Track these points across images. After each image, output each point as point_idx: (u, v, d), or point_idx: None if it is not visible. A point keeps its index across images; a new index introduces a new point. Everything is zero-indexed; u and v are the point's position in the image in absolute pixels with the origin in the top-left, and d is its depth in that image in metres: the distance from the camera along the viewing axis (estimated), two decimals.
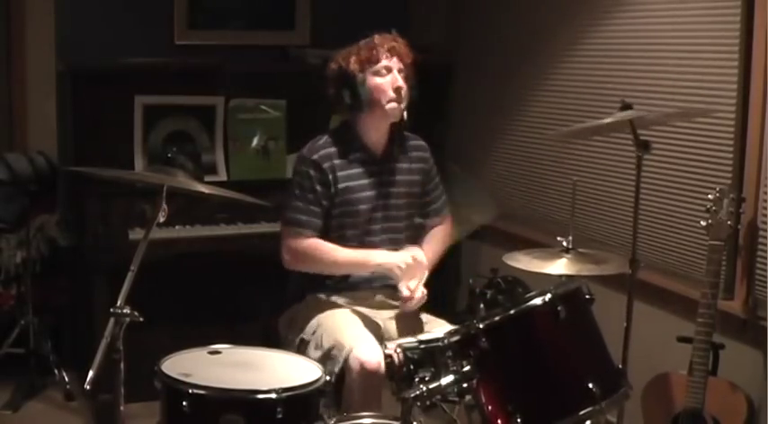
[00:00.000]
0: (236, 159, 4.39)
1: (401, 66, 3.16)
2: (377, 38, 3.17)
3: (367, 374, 2.90)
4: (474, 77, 4.66)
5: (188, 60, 4.54)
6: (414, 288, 3.12)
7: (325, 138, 3.22)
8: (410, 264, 3.11)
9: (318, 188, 3.14)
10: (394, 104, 3.14)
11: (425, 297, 3.15)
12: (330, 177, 3.15)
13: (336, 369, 2.93)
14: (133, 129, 4.23)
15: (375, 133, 3.22)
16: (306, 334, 3.15)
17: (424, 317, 3.22)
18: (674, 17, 3.39)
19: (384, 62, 3.14)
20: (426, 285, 3.16)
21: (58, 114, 4.55)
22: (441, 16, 4.93)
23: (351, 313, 3.17)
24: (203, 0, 4.70)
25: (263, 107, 4.43)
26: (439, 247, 3.36)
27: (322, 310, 3.18)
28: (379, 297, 3.28)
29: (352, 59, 3.15)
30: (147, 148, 4.25)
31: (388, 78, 3.14)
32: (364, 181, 3.20)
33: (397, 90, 3.13)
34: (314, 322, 3.15)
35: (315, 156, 3.17)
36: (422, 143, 3.35)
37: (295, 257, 3.16)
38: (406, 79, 3.16)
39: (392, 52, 3.15)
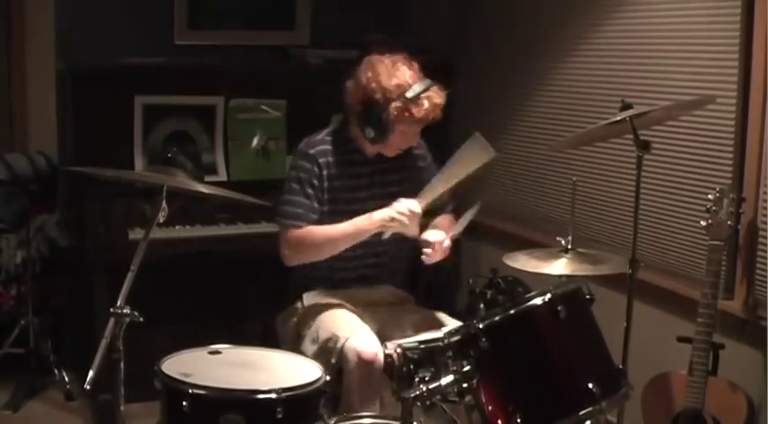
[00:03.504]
0: (236, 159, 4.39)
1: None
2: (427, 108, 3.07)
3: (364, 364, 2.90)
4: (474, 77, 4.65)
5: (188, 60, 4.54)
6: (439, 238, 3.11)
7: (323, 135, 3.23)
8: (400, 217, 3.07)
9: (315, 182, 3.14)
10: (398, 151, 3.19)
11: (449, 249, 3.13)
12: (325, 173, 3.15)
13: (333, 360, 2.93)
14: (133, 129, 4.23)
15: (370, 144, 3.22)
16: (302, 329, 3.15)
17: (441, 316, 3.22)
18: (674, 17, 3.40)
19: (424, 120, 3.11)
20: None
21: (58, 114, 4.55)
22: (441, 16, 4.93)
23: (349, 309, 3.18)
24: (203, 0, 4.70)
25: (263, 107, 4.43)
26: (447, 222, 3.32)
27: (319, 306, 3.18)
28: (379, 294, 3.28)
29: (395, 108, 3.05)
30: (147, 148, 4.25)
31: (415, 133, 3.15)
32: (357, 182, 3.21)
33: (411, 142, 3.18)
34: (311, 317, 3.16)
35: (312, 151, 3.17)
36: (420, 142, 3.35)
37: (293, 248, 3.15)
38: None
39: (436, 115, 3.11)
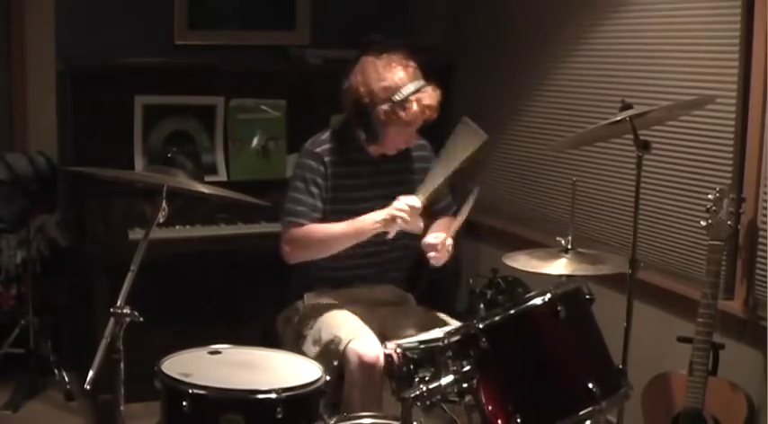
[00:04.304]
0: (236, 159, 4.39)
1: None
2: (416, 110, 3.05)
3: (365, 367, 2.90)
4: (474, 77, 4.65)
5: (188, 60, 4.54)
6: (440, 239, 3.10)
7: (327, 134, 3.23)
8: (401, 214, 3.06)
9: (320, 180, 3.15)
10: (398, 150, 3.19)
11: (451, 249, 3.13)
12: (329, 171, 3.16)
13: (335, 362, 2.93)
14: (133, 129, 4.23)
15: None
16: (304, 329, 3.15)
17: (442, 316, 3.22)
18: (674, 17, 3.39)
19: (415, 122, 3.10)
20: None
21: (58, 114, 4.55)
22: (441, 16, 4.93)
23: (350, 310, 3.18)
24: (203, 0, 4.70)
25: (263, 107, 4.43)
26: (449, 223, 3.30)
27: (321, 306, 3.18)
28: (380, 294, 3.28)
29: (383, 111, 3.05)
30: (147, 148, 4.25)
31: (409, 133, 3.15)
32: (361, 182, 3.21)
33: (408, 142, 3.17)
34: (312, 318, 3.16)
35: (318, 149, 3.18)
36: (423, 142, 3.35)
37: (293, 245, 3.15)
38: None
39: (428, 116, 3.11)
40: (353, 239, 3.12)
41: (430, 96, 3.09)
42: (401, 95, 3.05)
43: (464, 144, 3.10)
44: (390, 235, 3.12)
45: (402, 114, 3.05)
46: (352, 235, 3.12)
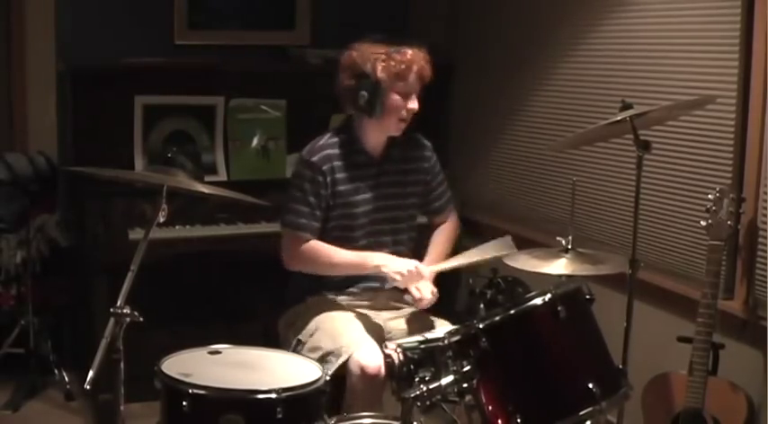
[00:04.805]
0: (236, 159, 4.39)
1: (420, 88, 3.17)
2: (411, 53, 3.14)
3: (368, 378, 2.90)
4: (474, 77, 4.65)
5: (188, 60, 4.54)
6: (423, 290, 3.13)
7: (326, 138, 3.22)
8: (409, 275, 3.11)
9: (317, 191, 3.14)
10: (402, 124, 3.19)
11: (436, 296, 3.16)
12: (329, 179, 3.15)
13: (330, 372, 2.93)
14: (133, 129, 4.23)
15: (375, 137, 3.23)
16: (303, 335, 3.15)
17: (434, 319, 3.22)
18: (675, 17, 3.39)
19: (411, 83, 3.14)
20: (433, 285, 3.17)
21: (58, 114, 4.55)
22: (441, 16, 4.92)
23: (351, 316, 3.18)
24: (203, 0, 4.70)
25: (263, 107, 4.43)
26: (446, 247, 3.38)
27: (322, 311, 3.18)
28: (382, 298, 3.28)
29: (381, 66, 3.11)
30: (147, 148, 4.25)
31: (408, 100, 3.15)
32: (363, 184, 3.21)
33: (410, 111, 3.17)
34: (312, 324, 3.15)
35: (314, 158, 3.17)
36: (424, 142, 3.35)
37: (294, 259, 3.18)
38: (418, 99, 3.18)
39: (421, 76, 3.15)
40: (354, 270, 3.18)
41: (425, 59, 3.17)
42: (395, 48, 3.13)
43: (495, 249, 3.20)
44: (388, 286, 3.17)
45: (399, 57, 3.11)
46: (354, 267, 3.17)
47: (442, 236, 3.40)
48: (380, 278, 3.19)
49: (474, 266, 3.32)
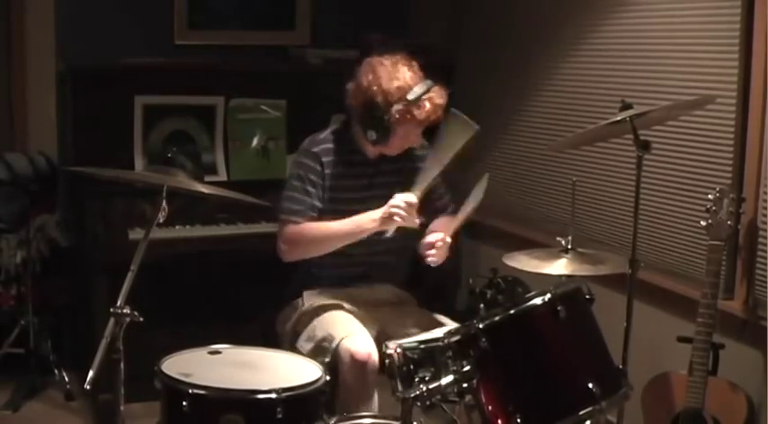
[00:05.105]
0: (236, 159, 4.39)
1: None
2: (429, 108, 3.07)
3: (357, 365, 2.91)
4: (474, 77, 4.65)
5: (188, 60, 4.54)
6: (438, 238, 3.11)
7: (325, 134, 3.24)
8: (402, 204, 3.06)
9: (317, 179, 3.15)
10: (401, 150, 3.20)
11: (448, 244, 3.13)
12: (327, 172, 3.16)
13: (326, 359, 2.93)
14: (133, 129, 4.23)
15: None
16: (300, 326, 3.16)
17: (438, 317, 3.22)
18: (674, 17, 3.39)
19: (426, 120, 3.11)
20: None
21: (58, 114, 4.55)
22: (441, 16, 4.92)
23: (346, 308, 3.19)
24: (203, 0, 4.70)
25: (263, 107, 4.43)
26: (450, 220, 3.29)
27: (318, 304, 3.19)
28: (379, 294, 3.28)
29: (396, 110, 3.05)
30: (147, 148, 4.25)
31: (417, 133, 3.16)
32: (358, 182, 3.21)
33: (414, 142, 3.18)
34: (308, 315, 3.17)
35: (315, 149, 3.18)
36: (423, 142, 3.35)
37: (290, 243, 3.16)
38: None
39: (436, 117, 3.11)
40: (351, 237, 3.13)
41: (440, 95, 3.10)
42: (414, 94, 3.06)
43: (455, 136, 3.10)
44: (389, 234, 3.12)
45: (416, 113, 3.06)
46: (350, 233, 3.12)
47: (444, 218, 3.37)
48: (375, 273, 3.18)
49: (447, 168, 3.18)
